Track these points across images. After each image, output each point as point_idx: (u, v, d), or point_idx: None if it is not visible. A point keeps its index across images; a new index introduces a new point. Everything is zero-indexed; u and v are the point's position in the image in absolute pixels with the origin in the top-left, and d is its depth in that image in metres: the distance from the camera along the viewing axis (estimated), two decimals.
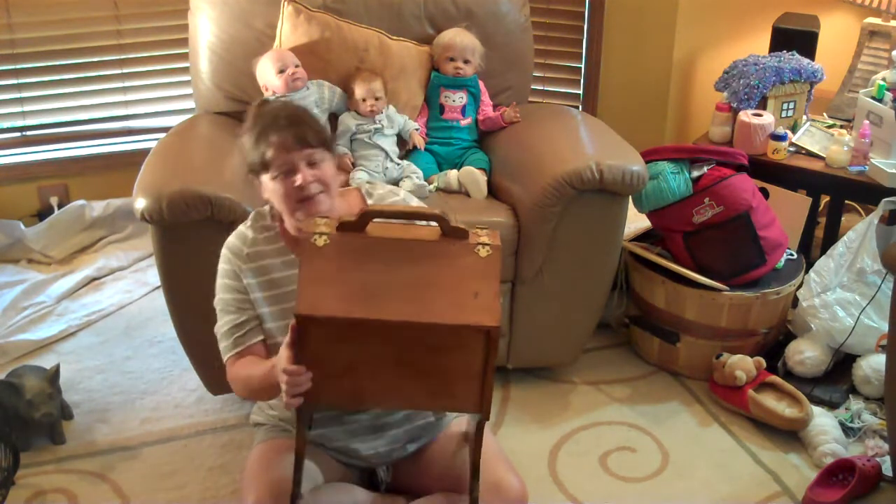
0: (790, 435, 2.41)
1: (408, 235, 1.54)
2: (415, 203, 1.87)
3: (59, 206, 3.32)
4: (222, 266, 1.80)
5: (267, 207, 1.82)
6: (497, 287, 1.48)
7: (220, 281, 1.79)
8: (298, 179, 1.69)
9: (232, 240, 1.81)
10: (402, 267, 1.48)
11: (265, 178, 1.73)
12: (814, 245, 2.93)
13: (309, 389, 1.50)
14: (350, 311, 1.44)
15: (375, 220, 1.54)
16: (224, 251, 1.80)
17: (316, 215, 1.67)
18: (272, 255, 1.79)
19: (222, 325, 1.78)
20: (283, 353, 1.51)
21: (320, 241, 1.50)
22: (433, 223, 1.53)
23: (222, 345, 1.78)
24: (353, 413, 1.78)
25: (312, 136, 1.71)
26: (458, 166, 2.66)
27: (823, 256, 2.66)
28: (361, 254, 1.50)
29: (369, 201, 1.83)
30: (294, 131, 1.69)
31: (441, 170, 2.67)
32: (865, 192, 2.72)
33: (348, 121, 2.62)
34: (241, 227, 1.83)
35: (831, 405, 2.50)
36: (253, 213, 1.85)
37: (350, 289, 1.46)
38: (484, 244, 1.50)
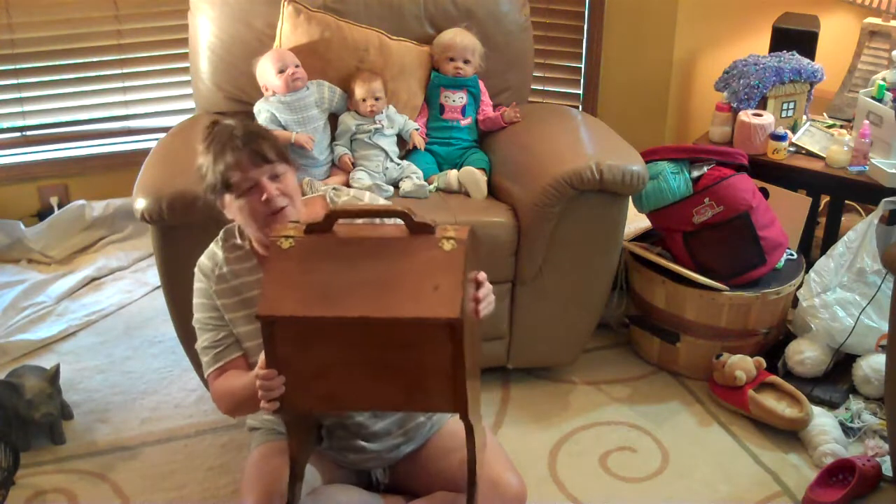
0: (790, 435, 2.42)
1: (374, 234, 1.54)
2: (381, 201, 1.86)
3: (59, 206, 3.33)
4: (196, 285, 1.80)
5: (235, 225, 1.81)
6: (460, 279, 1.46)
7: (196, 300, 1.80)
8: (265, 195, 1.67)
9: (203, 260, 1.81)
10: (365, 265, 1.48)
11: (228, 199, 1.71)
12: (814, 245, 2.94)
13: (283, 394, 1.50)
14: (309, 310, 1.44)
15: (343, 221, 1.54)
16: (196, 271, 1.80)
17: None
18: (244, 274, 1.78)
19: (201, 342, 1.79)
20: (260, 359, 1.52)
21: (285, 244, 1.50)
22: (401, 221, 1.53)
23: (203, 360, 1.79)
24: (350, 417, 1.78)
25: (270, 151, 1.69)
26: (458, 166, 2.66)
27: (823, 256, 2.66)
28: (325, 254, 1.50)
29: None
30: (251, 148, 1.68)
31: (441, 170, 2.67)
32: (865, 192, 2.72)
33: (348, 121, 2.62)
34: (213, 247, 1.82)
35: (831, 405, 2.51)
36: (222, 231, 1.83)
37: (312, 289, 1.46)
38: (449, 238, 1.49)
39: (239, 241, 1.81)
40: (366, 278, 1.47)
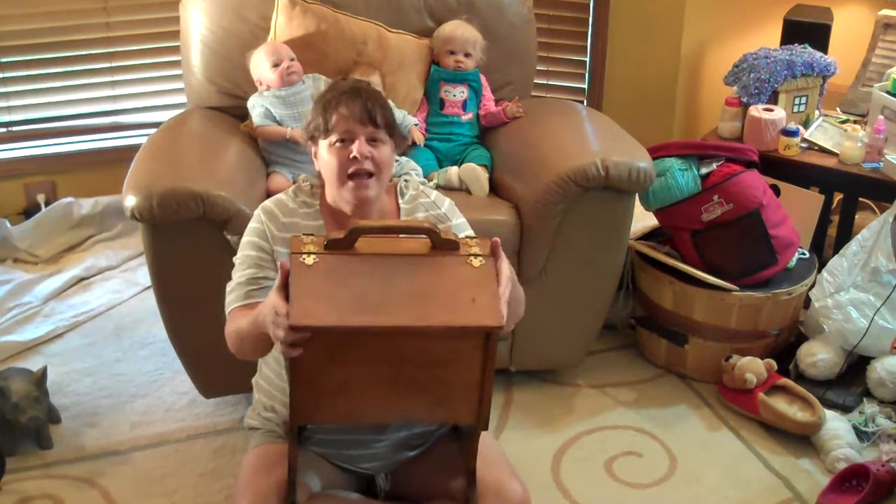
0: (802, 439, 2.42)
1: (398, 250, 1.55)
2: (446, 205, 1.89)
3: (46, 204, 3.33)
4: (253, 225, 1.80)
5: (308, 184, 1.84)
6: (495, 290, 1.49)
7: (247, 238, 1.79)
8: (354, 149, 1.72)
9: (269, 204, 1.82)
10: (396, 280, 1.49)
11: (322, 145, 1.76)
12: (826, 244, 2.95)
13: (303, 408, 1.51)
14: (346, 320, 1.43)
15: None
16: (258, 212, 1.81)
17: (363, 199, 1.73)
18: (307, 231, 1.78)
19: (238, 277, 1.76)
20: (272, 297, 1.50)
21: (309, 260, 1.49)
22: (422, 236, 1.54)
23: (231, 296, 1.76)
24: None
25: (381, 117, 1.75)
26: (459, 163, 2.67)
27: (836, 256, 2.67)
28: (352, 270, 1.50)
29: (400, 200, 1.86)
30: (364, 104, 1.73)
31: (441, 166, 2.68)
32: (880, 189, 2.73)
33: None
34: (282, 196, 1.84)
35: (844, 409, 2.51)
36: (294, 186, 1.86)
37: (344, 301, 1.46)
38: (476, 255, 1.53)
39: (310, 199, 1.83)
40: (398, 292, 1.47)
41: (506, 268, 1.55)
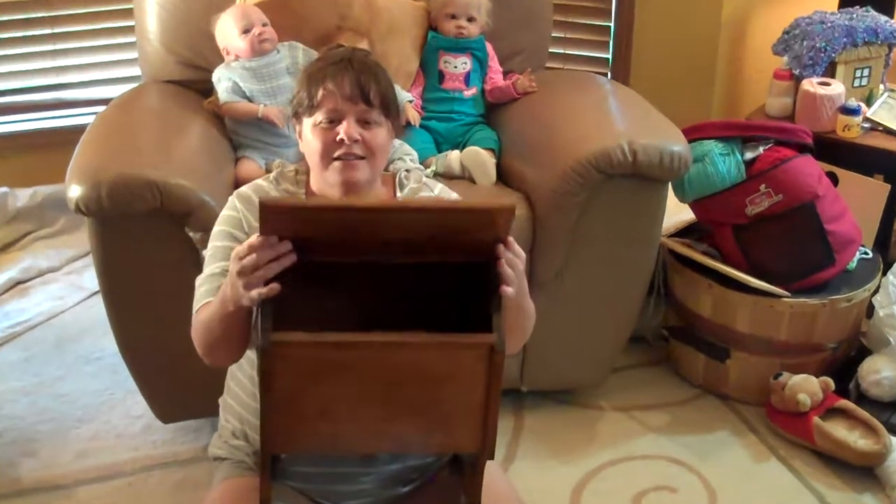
0: (864, 471, 2.42)
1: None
2: (454, 197, 1.89)
3: None
4: (227, 213, 1.80)
5: (293, 170, 1.84)
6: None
7: (220, 228, 1.79)
8: (341, 131, 1.71)
9: (245, 190, 1.82)
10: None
11: (306, 124, 1.76)
12: (893, 241, 2.95)
13: (277, 435, 1.49)
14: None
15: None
16: (233, 199, 1.81)
17: (351, 182, 1.73)
18: None
19: (211, 269, 1.75)
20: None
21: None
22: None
23: (200, 291, 1.75)
24: None
25: (375, 94, 1.74)
26: (461, 146, 2.67)
27: None
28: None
29: (399, 193, 1.86)
30: (356, 79, 1.72)
31: (440, 150, 2.68)
32: None
33: None
34: (262, 182, 1.84)
35: None
36: (276, 171, 1.87)
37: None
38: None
39: (294, 187, 1.83)
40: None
41: (519, 264, 1.53)
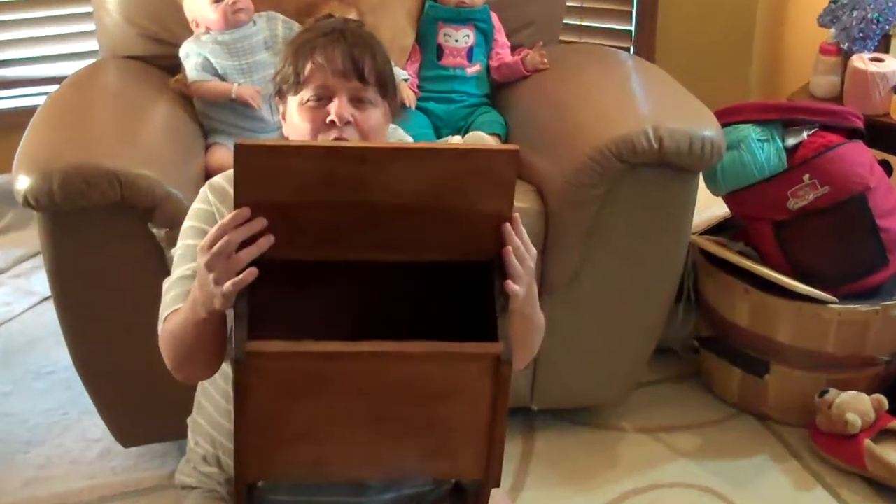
0: None
1: None
2: None
3: None
4: (198, 206, 1.80)
5: None
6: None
7: (190, 223, 1.78)
8: (331, 111, 1.71)
9: (219, 180, 1.81)
10: None
11: (291, 102, 1.76)
12: None
13: (253, 460, 1.50)
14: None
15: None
16: (205, 191, 1.80)
17: None
18: None
19: (181, 272, 1.74)
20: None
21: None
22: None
23: (169, 296, 1.74)
24: None
25: (370, 70, 1.74)
26: (463, 131, 2.68)
27: None
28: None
29: None
30: (349, 52, 1.72)
31: (439, 135, 2.69)
32: None
33: None
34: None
35: None
36: None
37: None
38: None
39: None
40: None
41: (529, 262, 1.52)
